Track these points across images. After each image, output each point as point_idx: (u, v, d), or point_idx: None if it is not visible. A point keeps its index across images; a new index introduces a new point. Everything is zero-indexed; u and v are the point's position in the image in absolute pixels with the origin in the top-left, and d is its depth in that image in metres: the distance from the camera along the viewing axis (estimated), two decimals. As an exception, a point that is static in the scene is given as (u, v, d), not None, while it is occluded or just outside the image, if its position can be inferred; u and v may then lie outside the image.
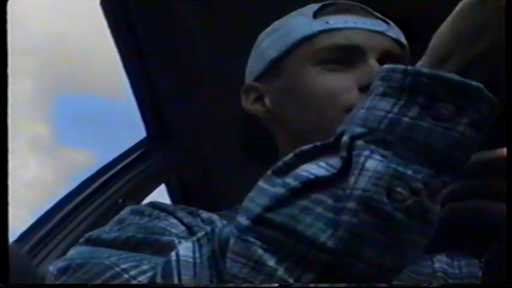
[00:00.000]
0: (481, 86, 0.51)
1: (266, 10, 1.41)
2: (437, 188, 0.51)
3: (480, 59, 0.54)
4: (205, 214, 0.75)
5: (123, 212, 0.74)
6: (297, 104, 0.81)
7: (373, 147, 0.51)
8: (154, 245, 0.66)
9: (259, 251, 0.51)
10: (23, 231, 1.28)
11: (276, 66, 0.85)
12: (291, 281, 0.51)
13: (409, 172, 0.50)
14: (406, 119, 0.51)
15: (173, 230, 0.70)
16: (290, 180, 0.53)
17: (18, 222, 1.24)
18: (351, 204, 0.50)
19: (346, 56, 0.80)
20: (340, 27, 0.82)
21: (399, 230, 0.51)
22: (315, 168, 0.53)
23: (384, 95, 0.53)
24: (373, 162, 0.51)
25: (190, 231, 0.71)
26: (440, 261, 0.81)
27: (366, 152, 0.51)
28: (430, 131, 0.51)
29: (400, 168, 0.50)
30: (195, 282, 0.56)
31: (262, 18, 1.51)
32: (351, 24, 0.82)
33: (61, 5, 1.66)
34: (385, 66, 0.54)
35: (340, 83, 0.79)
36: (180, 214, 0.73)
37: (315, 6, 0.85)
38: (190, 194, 1.91)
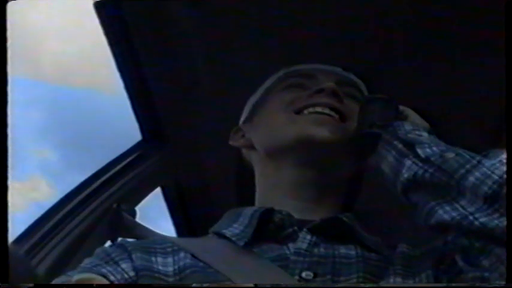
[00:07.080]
0: None
1: (262, 13, 1.42)
2: None
3: None
4: (161, 255, 0.92)
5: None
6: (263, 124, 1.07)
7: None
8: None
9: None
10: (22, 232, 1.29)
11: (256, 108, 1.12)
12: None
13: None
14: None
15: (111, 277, 0.84)
16: None
17: (17, 223, 1.25)
18: None
19: (303, 80, 1.09)
20: (300, 68, 1.14)
21: None
22: None
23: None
24: None
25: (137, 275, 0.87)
26: None
27: None
28: None
29: None
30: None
31: (259, 21, 1.52)
32: (308, 66, 1.13)
33: (68, 34, 1.71)
34: None
35: (294, 95, 1.07)
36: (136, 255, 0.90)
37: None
38: (187, 197, 1.91)
